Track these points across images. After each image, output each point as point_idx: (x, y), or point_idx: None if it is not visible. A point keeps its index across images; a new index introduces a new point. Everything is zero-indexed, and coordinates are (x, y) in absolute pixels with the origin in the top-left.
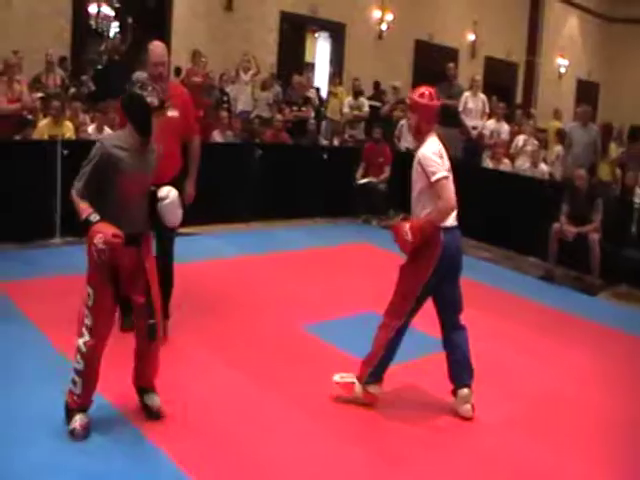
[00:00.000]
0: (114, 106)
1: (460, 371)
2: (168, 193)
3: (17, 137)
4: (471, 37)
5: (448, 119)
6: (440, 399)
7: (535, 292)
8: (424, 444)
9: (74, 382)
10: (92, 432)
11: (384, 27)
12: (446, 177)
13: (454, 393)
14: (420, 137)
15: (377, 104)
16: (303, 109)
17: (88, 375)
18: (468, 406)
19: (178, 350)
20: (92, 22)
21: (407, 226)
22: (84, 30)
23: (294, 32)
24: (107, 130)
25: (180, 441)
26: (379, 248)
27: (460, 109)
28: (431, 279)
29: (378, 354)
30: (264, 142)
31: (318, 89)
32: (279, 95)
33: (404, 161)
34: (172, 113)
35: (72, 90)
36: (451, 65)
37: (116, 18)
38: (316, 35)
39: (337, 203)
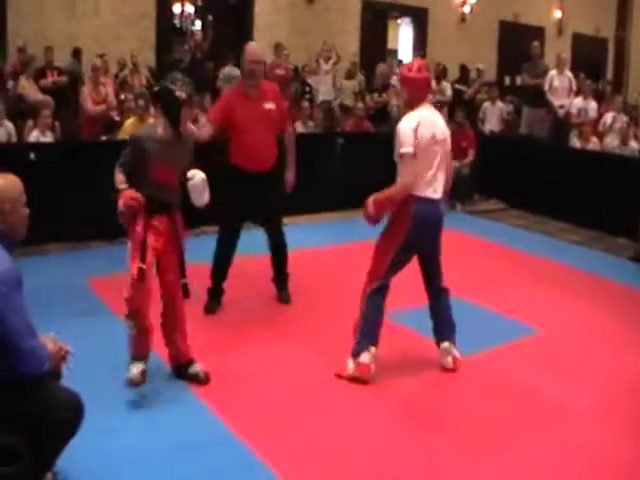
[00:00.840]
0: (198, 103)
1: (440, 327)
2: (194, 175)
3: (104, 138)
4: (558, 14)
5: (534, 99)
6: (526, 386)
7: (626, 274)
8: (512, 432)
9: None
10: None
11: (467, 10)
12: (410, 154)
13: (437, 345)
14: (411, 111)
15: (463, 88)
16: (383, 95)
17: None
18: (449, 358)
19: (259, 339)
20: (176, 21)
21: (370, 199)
22: (168, 30)
23: (376, 19)
24: (190, 126)
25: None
26: (465, 234)
27: (546, 88)
28: (403, 247)
29: (360, 323)
30: (345, 131)
31: None
32: (362, 84)
33: (488, 144)
34: (269, 106)
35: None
36: (536, 44)
37: (198, 16)
38: (398, 21)
39: None
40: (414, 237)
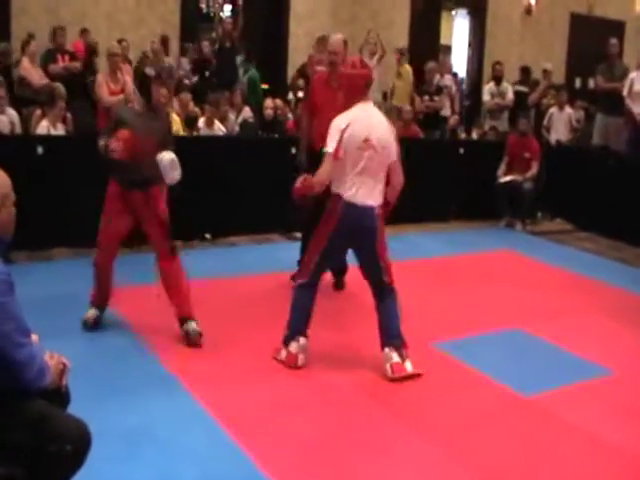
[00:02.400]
0: (226, 98)
1: (383, 333)
2: (162, 156)
3: None
4: None
5: (609, 105)
6: (594, 433)
7: None
8: None
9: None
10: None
11: (533, 0)
12: (330, 154)
13: (381, 350)
14: (347, 108)
15: (524, 90)
16: (435, 98)
17: (97, 281)
18: (387, 365)
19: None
20: (202, 5)
21: (304, 177)
22: (194, 15)
23: (427, 10)
24: (218, 125)
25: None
26: (526, 257)
27: (625, 93)
28: (329, 246)
29: (290, 314)
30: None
31: (455, 74)
32: (411, 83)
33: (554, 156)
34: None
35: (187, 81)
36: (613, 42)
37: (228, 0)
38: (453, 13)
39: (475, 204)
40: (337, 237)
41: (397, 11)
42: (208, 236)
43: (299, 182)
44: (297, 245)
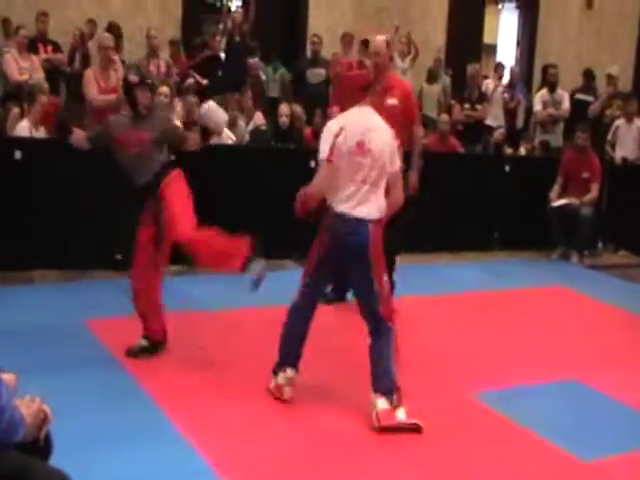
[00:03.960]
0: (236, 99)
1: (374, 374)
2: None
3: None
4: None
5: None
6: None
7: None
8: None
9: None
10: None
11: None
12: (324, 160)
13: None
14: (343, 111)
15: (588, 99)
16: (477, 107)
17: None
18: (373, 413)
19: (309, 415)
20: None
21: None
22: (197, 4)
23: (469, 3)
24: (227, 133)
25: None
26: (582, 294)
27: None
28: (320, 262)
29: (280, 340)
30: (426, 149)
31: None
32: (448, 89)
33: (619, 177)
34: (391, 101)
35: (190, 80)
36: None
37: None
38: (499, 6)
39: (523, 231)
40: (328, 253)
41: (433, 3)
42: None
43: (297, 197)
44: None
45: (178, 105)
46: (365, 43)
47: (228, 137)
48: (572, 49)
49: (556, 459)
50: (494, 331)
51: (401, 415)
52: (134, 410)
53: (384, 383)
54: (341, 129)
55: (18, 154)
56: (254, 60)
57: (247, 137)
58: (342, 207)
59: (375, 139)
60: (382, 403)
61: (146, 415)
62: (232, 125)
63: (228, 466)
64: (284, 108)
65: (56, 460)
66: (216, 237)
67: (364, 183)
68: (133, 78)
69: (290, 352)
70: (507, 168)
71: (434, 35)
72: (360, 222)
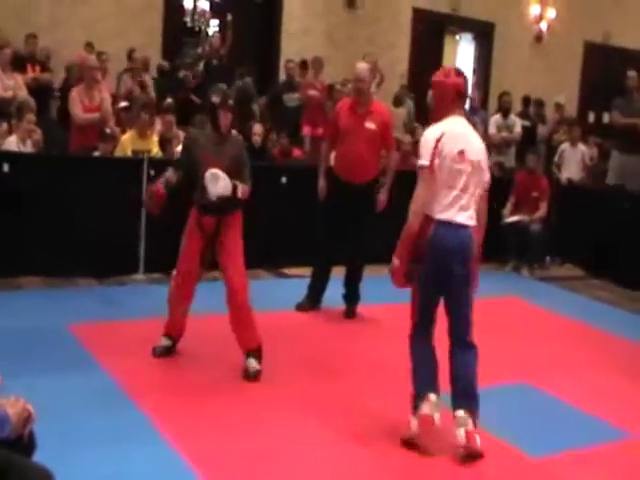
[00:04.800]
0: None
1: (457, 391)
2: (209, 171)
3: (95, 153)
4: None
5: (627, 143)
6: None
7: None
8: None
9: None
10: None
11: (544, 26)
12: (426, 166)
13: (453, 411)
14: (437, 121)
15: (526, 124)
16: None
17: (170, 307)
18: (461, 430)
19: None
20: (187, 19)
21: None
22: (178, 29)
23: (430, 34)
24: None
25: None
26: (532, 305)
27: None
28: (423, 283)
29: (412, 372)
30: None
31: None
32: (412, 112)
33: (566, 196)
34: (370, 125)
35: (169, 100)
36: (632, 74)
37: (215, 15)
38: (457, 37)
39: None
40: (431, 267)
41: (397, 34)
42: None
43: (395, 261)
44: (286, 282)
45: (158, 123)
46: (315, 63)
47: None
48: (523, 79)
49: (505, 456)
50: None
51: (479, 441)
52: (115, 411)
53: (473, 402)
54: (442, 134)
55: (6, 167)
56: (248, 80)
57: None
58: (444, 214)
59: (474, 149)
60: (471, 424)
61: (127, 416)
62: None
63: (207, 466)
64: (257, 128)
65: (37, 460)
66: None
67: (463, 190)
68: (215, 99)
69: (425, 381)
70: None
71: (398, 62)
72: (462, 228)
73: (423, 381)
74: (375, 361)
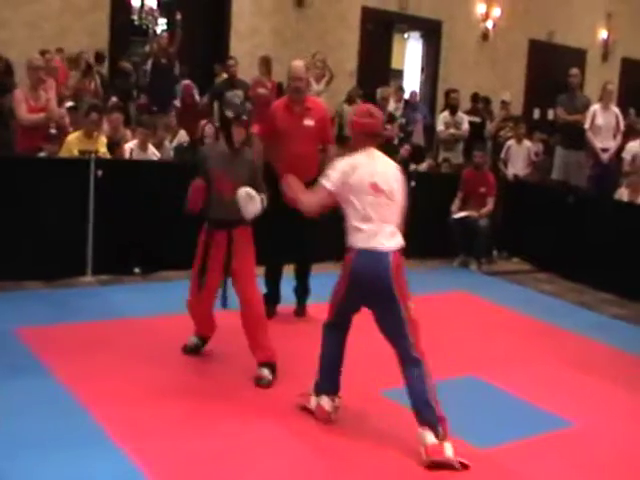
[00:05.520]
0: (165, 122)
1: (413, 407)
2: (240, 190)
3: (41, 154)
4: (603, 35)
5: (570, 139)
6: None
7: None
8: None
9: None
10: None
11: (490, 25)
12: (325, 187)
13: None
14: (354, 151)
15: (476, 120)
16: (387, 127)
17: (192, 316)
18: (421, 448)
19: (235, 413)
20: (135, 17)
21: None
22: (125, 27)
23: (378, 32)
24: (152, 149)
25: None
26: (480, 298)
27: (586, 126)
28: (346, 298)
29: (319, 362)
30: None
31: (407, 102)
32: None
33: (512, 192)
34: (309, 122)
35: (114, 99)
36: (574, 71)
37: (163, 13)
38: (405, 36)
39: (427, 241)
40: (355, 289)
41: (346, 32)
42: (137, 270)
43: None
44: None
45: (105, 123)
46: (263, 62)
47: (153, 154)
48: (470, 76)
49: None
50: None
51: (449, 450)
52: (63, 416)
53: (427, 415)
54: (354, 168)
55: None
56: (188, 82)
57: (171, 153)
58: (366, 243)
59: (387, 179)
60: (430, 437)
61: (75, 421)
62: (159, 145)
63: (157, 469)
64: (210, 128)
65: None
66: (258, 320)
67: (382, 221)
68: (229, 114)
69: (329, 379)
70: (412, 183)
71: (347, 61)
72: (382, 255)
73: (325, 377)
74: None
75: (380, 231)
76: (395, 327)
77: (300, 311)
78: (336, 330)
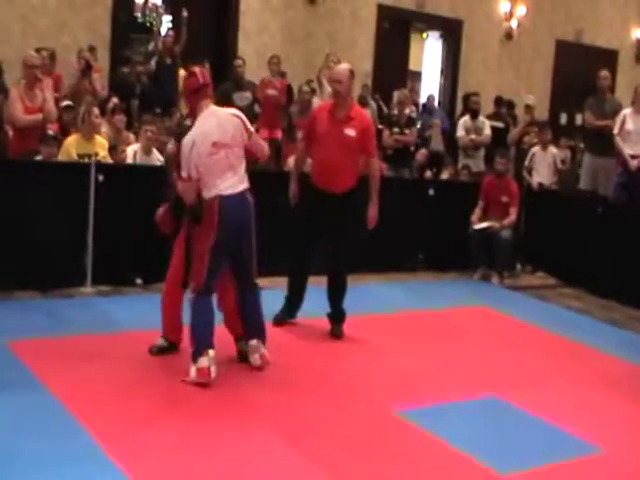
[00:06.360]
0: (168, 126)
1: (250, 324)
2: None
3: (38, 157)
4: (637, 34)
5: (599, 145)
6: None
7: None
8: None
9: None
10: None
11: (514, 24)
12: (186, 178)
13: (245, 343)
14: (192, 118)
15: (499, 125)
16: (406, 132)
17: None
18: (256, 355)
19: (242, 430)
20: (138, 14)
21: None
22: (127, 24)
23: (395, 31)
24: (156, 154)
25: None
26: (501, 313)
27: (615, 131)
28: (217, 244)
29: (191, 332)
30: None
31: (425, 106)
32: (375, 113)
33: (536, 201)
34: (349, 132)
35: (114, 100)
36: (604, 74)
37: (168, 10)
38: (424, 35)
39: (446, 253)
40: (223, 234)
41: (360, 31)
42: (139, 281)
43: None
44: None
45: (104, 126)
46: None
47: (157, 159)
48: (492, 79)
49: (472, 473)
50: (417, 350)
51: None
52: (57, 432)
53: (262, 332)
54: (193, 143)
55: None
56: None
57: None
58: (225, 191)
59: (223, 131)
60: (264, 349)
61: (70, 437)
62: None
63: None
64: None
65: None
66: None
67: (229, 170)
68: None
69: (205, 338)
70: (431, 192)
71: (362, 61)
72: (239, 195)
73: (204, 338)
74: (355, 379)
75: (236, 178)
76: (249, 256)
77: (337, 332)
78: (209, 295)
